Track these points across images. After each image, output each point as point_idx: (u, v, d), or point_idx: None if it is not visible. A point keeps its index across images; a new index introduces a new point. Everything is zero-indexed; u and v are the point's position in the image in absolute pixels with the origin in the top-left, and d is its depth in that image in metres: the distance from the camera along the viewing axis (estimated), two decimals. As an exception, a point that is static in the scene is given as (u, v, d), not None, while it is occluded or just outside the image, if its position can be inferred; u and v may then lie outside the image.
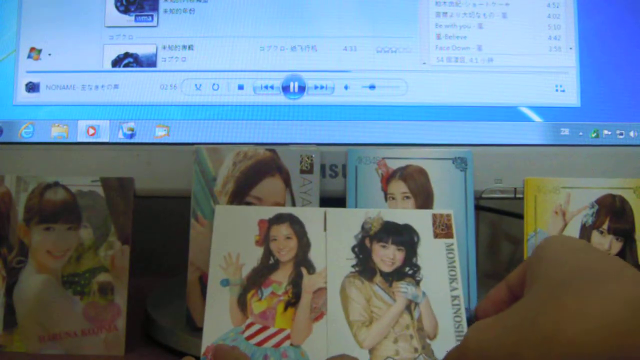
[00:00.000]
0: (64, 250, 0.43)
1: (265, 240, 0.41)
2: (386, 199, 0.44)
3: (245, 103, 0.48)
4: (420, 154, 0.45)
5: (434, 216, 0.41)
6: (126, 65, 0.48)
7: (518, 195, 0.46)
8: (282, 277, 0.40)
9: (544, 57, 0.48)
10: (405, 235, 0.41)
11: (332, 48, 0.48)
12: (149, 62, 0.48)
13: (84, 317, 0.42)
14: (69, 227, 0.44)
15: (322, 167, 0.46)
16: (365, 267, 0.40)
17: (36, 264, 0.43)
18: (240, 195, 0.43)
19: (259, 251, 0.40)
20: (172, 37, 0.48)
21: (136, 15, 0.49)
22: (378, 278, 0.40)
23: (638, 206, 0.40)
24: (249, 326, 0.38)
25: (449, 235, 0.41)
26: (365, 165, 0.44)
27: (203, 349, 0.37)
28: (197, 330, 0.42)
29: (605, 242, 0.40)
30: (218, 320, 0.38)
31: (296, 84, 0.48)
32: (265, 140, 0.47)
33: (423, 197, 0.44)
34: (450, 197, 0.44)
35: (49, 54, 0.49)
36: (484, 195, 0.46)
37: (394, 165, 0.44)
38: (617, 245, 0.40)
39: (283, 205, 0.43)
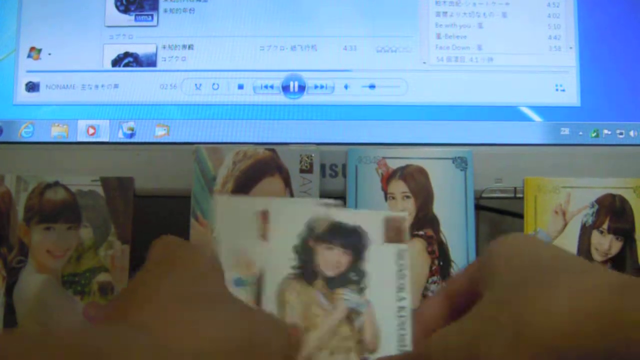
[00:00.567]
0: (64, 250, 0.43)
1: None
2: (386, 199, 0.44)
3: (245, 103, 0.48)
4: (420, 154, 0.45)
5: (387, 219, 0.39)
6: (126, 65, 0.48)
7: (518, 195, 0.46)
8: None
9: (544, 57, 0.48)
10: (353, 238, 0.37)
11: (332, 47, 0.48)
12: (149, 62, 0.48)
13: (84, 317, 0.42)
14: (69, 227, 0.44)
15: (322, 166, 0.46)
16: (306, 269, 0.36)
17: (36, 263, 0.43)
18: (240, 194, 0.43)
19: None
20: (172, 36, 0.48)
21: (136, 15, 0.49)
22: (320, 282, 0.36)
23: (638, 206, 0.40)
24: None
25: (400, 240, 0.38)
26: (365, 165, 0.44)
27: None
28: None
29: (605, 241, 0.40)
30: None
31: (296, 84, 0.48)
32: (265, 140, 0.47)
33: (423, 197, 0.44)
34: (451, 197, 0.44)
35: (49, 54, 0.49)
36: (484, 195, 0.46)
37: (394, 165, 0.44)
38: (617, 245, 0.40)
39: (283, 204, 0.43)
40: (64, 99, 0.48)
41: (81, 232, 0.44)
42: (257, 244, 0.37)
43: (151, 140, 0.48)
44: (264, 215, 0.37)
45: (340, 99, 0.48)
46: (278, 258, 0.36)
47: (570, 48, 0.49)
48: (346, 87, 0.48)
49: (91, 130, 0.48)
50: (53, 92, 0.49)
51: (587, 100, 0.48)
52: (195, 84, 0.48)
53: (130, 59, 0.48)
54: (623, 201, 0.41)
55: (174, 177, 0.46)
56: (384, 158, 0.44)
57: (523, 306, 0.25)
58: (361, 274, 0.36)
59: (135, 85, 0.48)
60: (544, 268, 0.26)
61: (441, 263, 0.43)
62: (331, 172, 0.46)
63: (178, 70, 0.48)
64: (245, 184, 0.43)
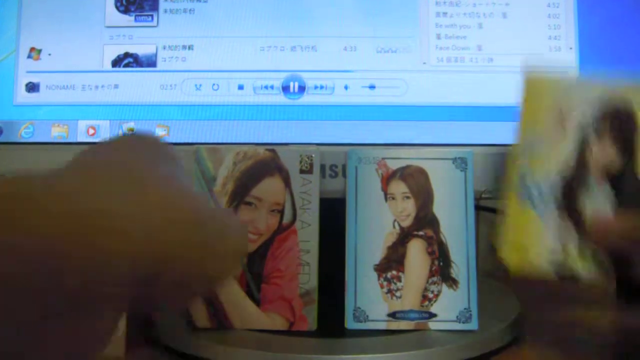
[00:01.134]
0: (64, 250, 0.43)
1: None
2: (386, 199, 0.44)
3: (245, 103, 0.48)
4: (420, 154, 0.45)
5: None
6: (126, 65, 0.48)
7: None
8: None
9: (544, 57, 0.48)
10: None
11: (332, 48, 0.48)
12: (149, 62, 0.48)
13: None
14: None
15: (322, 167, 0.46)
16: None
17: (36, 264, 0.43)
18: (240, 195, 0.43)
19: None
20: (172, 37, 0.48)
21: (136, 15, 0.49)
22: None
23: None
24: None
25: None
26: (365, 165, 0.44)
27: None
28: (198, 331, 0.43)
29: (606, 153, 0.37)
30: None
31: (296, 84, 0.48)
32: (265, 140, 0.47)
33: (423, 197, 0.44)
34: (451, 197, 0.44)
35: (49, 54, 0.49)
36: (484, 195, 0.46)
37: (394, 165, 0.44)
38: (617, 157, 0.37)
39: (282, 205, 0.43)
40: (64, 99, 0.48)
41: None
42: None
43: (151, 140, 0.48)
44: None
45: (340, 99, 0.48)
46: None
47: (570, 48, 0.49)
48: (346, 87, 0.48)
49: (91, 131, 0.48)
50: (53, 93, 0.49)
51: (587, 100, 0.48)
52: (195, 85, 0.48)
53: (130, 60, 0.48)
54: (627, 110, 0.38)
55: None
56: (384, 159, 0.44)
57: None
58: None
59: (135, 86, 0.48)
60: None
61: (441, 263, 0.43)
62: (331, 172, 0.46)
63: (178, 71, 0.48)
64: (245, 184, 0.43)
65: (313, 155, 0.44)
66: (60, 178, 0.25)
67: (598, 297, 0.41)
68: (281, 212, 0.43)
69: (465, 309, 0.41)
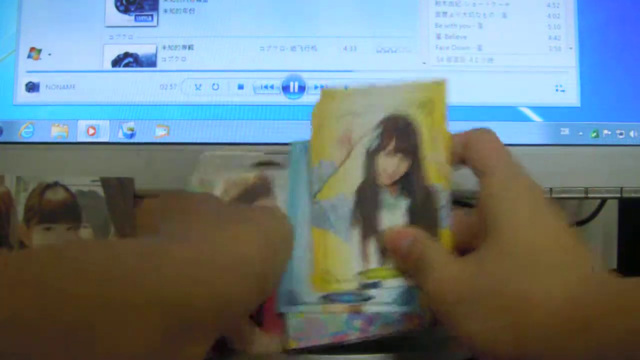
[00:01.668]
0: (63, 250, 0.43)
1: None
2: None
3: (245, 103, 0.48)
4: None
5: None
6: (126, 65, 0.48)
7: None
8: None
9: (544, 57, 0.48)
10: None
11: (332, 48, 0.48)
12: (149, 62, 0.48)
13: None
14: (69, 227, 0.44)
15: (322, 167, 0.45)
16: None
17: (36, 264, 0.43)
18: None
19: None
20: (172, 36, 0.48)
21: (136, 15, 0.49)
22: None
23: (424, 122, 0.38)
24: None
25: None
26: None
27: None
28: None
29: (391, 163, 0.37)
30: None
31: (296, 84, 0.48)
32: (265, 141, 0.47)
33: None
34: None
35: (49, 54, 0.49)
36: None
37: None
38: (404, 166, 0.37)
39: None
40: (64, 99, 0.48)
41: (81, 232, 0.44)
42: None
43: (151, 140, 0.48)
44: None
45: (340, 99, 0.48)
46: None
47: (570, 48, 0.49)
48: (346, 87, 0.48)
49: (91, 131, 0.48)
50: (53, 93, 0.49)
51: (587, 100, 0.48)
52: (195, 84, 0.48)
53: (130, 59, 0.48)
54: (406, 120, 0.38)
55: (174, 177, 0.47)
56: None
57: (528, 284, 0.26)
58: None
59: (135, 86, 0.48)
60: (546, 233, 0.28)
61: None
62: (331, 172, 0.46)
63: (178, 71, 0.48)
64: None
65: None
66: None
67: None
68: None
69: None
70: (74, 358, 0.20)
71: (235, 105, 0.48)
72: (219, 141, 0.47)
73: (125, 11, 0.49)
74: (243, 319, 0.32)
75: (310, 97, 0.48)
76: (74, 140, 0.48)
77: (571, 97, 0.48)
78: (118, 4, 0.49)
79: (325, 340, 0.37)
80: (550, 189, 0.47)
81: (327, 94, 0.39)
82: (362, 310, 0.38)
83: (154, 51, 0.48)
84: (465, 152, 0.36)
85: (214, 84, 0.48)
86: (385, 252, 0.37)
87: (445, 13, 0.49)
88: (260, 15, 0.48)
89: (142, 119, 0.48)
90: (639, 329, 0.22)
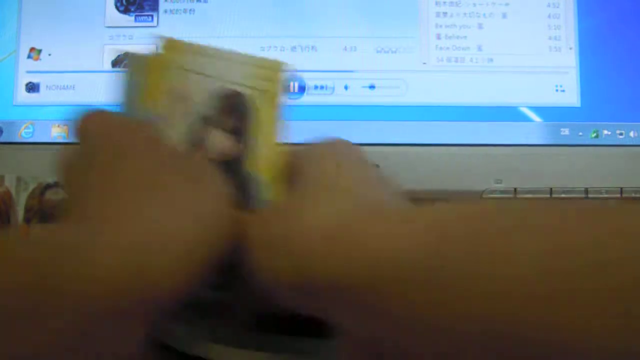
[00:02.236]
0: (64, 250, 0.43)
1: None
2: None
3: (245, 103, 0.48)
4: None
5: None
6: (126, 66, 0.48)
7: (518, 196, 0.46)
8: None
9: (543, 57, 0.48)
10: None
11: (332, 48, 0.48)
12: (149, 62, 0.48)
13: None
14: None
15: (322, 167, 0.45)
16: None
17: (36, 264, 0.43)
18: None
19: None
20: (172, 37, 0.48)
21: (136, 16, 0.49)
22: None
23: (263, 109, 0.36)
24: None
25: None
26: None
27: None
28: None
29: (224, 140, 0.35)
30: None
31: (296, 84, 0.48)
32: (265, 140, 0.47)
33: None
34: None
35: (49, 54, 0.49)
36: (484, 196, 0.46)
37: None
38: (234, 147, 0.35)
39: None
40: (64, 99, 0.48)
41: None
42: None
43: (151, 140, 0.48)
44: None
45: (340, 99, 0.48)
46: None
47: (570, 48, 0.49)
48: (346, 87, 0.48)
49: (91, 131, 0.48)
50: (53, 93, 0.49)
51: (587, 100, 0.48)
52: (195, 85, 0.48)
53: (130, 60, 0.48)
54: (247, 102, 0.36)
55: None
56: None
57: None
58: None
59: (135, 86, 0.48)
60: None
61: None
62: (331, 172, 0.46)
63: (178, 71, 0.48)
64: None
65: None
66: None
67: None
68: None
69: None
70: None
71: (235, 105, 0.48)
72: (219, 141, 0.47)
73: (125, 11, 0.49)
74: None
75: (310, 97, 0.48)
76: (74, 141, 0.48)
77: (571, 97, 0.48)
78: (118, 4, 0.49)
79: None
80: (550, 189, 0.47)
81: (171, 44, 0.36)
82: None
83: (154, 51, 0.48)
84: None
85: (214, 84, 0.48)
86: None
87: (445, 13, 0.49)
88: (260, 15, 0.48)
89: (142, 119, 0.48)
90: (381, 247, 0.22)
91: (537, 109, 0.48)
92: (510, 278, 0.19)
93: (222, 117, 0.36)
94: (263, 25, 0.48)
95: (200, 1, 0.49)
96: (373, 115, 0.48)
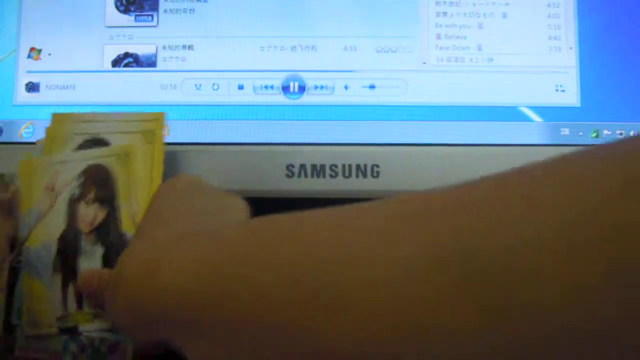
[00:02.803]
0: (63, 250, 0.43)
1: None
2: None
3: (245, 103, 0.48)
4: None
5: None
6: (126, 65, 0.48)
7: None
8: None
9: (544, 57, 0.48)
10: None
11: (332, 48, 0.48)
12: (149, 62, 0.48)
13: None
14: (69, 227, 0.44)
15: (322, 167, 0.46)
16: None
17: (36, 264, 0.43)
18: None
19: None
20: (172, 37, 0.48)
21: (136, 15, 0.49)
22: None
23: (120, 173, 0.40)
24: None
25: None
26: None
27: None
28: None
29: (90, 212, 0.39)
30: None
31: (296, 84, 0.48)
32: (265, 140, 0.47)
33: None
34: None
35: (49, 54, 0.49)
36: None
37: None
38: (102, 214, 0.39)
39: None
40: (64, 99, 0.48)
41: (81, 232, 0.44)
42: None
43: (151, 140, 0.48)
44: None
45: (340, 99, 0.48)
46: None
47: (570, 48, 0.49)
48: (346, 87, 0.48)
49: (91, 131, 0.48)
50: (53, 93, 0.49)
51: (587, 100, 0.48)
52: (195, 85, 0.48)
53: (130, 59, 0.48)
54: (106, 170, 0.40)
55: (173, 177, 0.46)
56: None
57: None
58: None
59: (135, 86, 0.48)
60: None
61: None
62: (331, 172, 0.46)
63: (178, 71, 0.48)
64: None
65: None
66: None
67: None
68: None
69: None
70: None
71: (235, 105, 0.48)
72: (219, 141, 0.47)
73: (125, 11, 0.49)
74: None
75: (310, 97, 0.48)
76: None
77: (571, 97, 0.48)
78: (118, 4, 0.49)
79: None
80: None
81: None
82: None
83: (154, 51, 0.48)
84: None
85: (214, 84, 0.48)
86: (82, 296, 0.38)
87: (445, 13, 0.49)
88: (260, 15, 0.48)
89: (142, 119, 0.48)
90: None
91: (537, 109, 0.48)
92: (262, 284, 0.22)
93: (84, 191, 0.40)
94: (263, 25, 0.48)
95: (200, 1, 0.49)
96: (373, 115, 0.48)
